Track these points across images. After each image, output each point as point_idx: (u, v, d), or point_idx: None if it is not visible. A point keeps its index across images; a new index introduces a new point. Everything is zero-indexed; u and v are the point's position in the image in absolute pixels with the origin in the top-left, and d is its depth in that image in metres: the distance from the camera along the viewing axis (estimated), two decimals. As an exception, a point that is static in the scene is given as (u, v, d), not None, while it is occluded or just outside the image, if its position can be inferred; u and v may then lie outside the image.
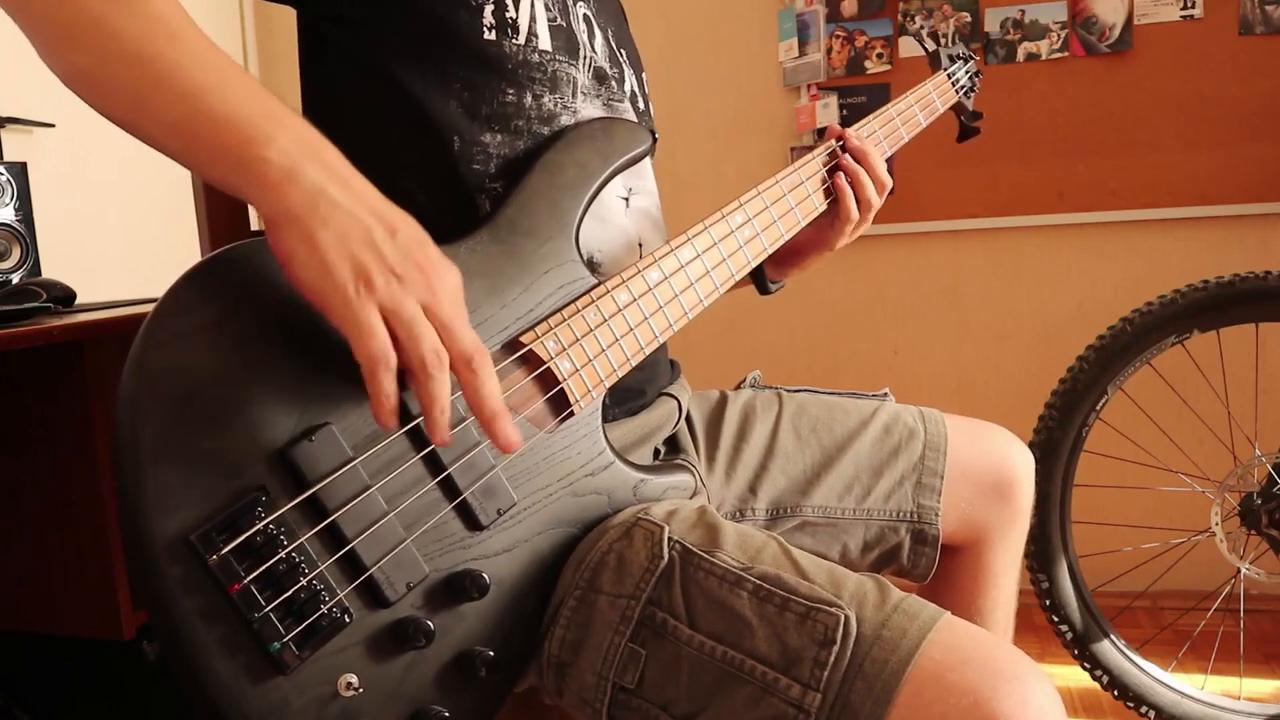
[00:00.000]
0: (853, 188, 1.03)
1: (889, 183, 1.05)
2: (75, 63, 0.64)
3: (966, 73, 1.27)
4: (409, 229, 0.65)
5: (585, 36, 0.92)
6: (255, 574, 0.61)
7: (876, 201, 1.04)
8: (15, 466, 1.36)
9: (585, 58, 0.91)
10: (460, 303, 0.66)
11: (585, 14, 0.93)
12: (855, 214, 1.03)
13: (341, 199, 0.62)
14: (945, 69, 1.23)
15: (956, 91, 1.24)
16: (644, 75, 1.05)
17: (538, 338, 0.77)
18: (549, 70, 0.86)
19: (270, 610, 0.61)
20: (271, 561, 0.61)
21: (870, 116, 1.10)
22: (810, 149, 1.03)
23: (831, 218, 1.04)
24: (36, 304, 1.34)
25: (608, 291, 0.82)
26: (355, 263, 0.61)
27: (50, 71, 0.66)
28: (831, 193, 1.03)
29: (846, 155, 1.03)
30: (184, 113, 0.62)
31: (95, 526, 1.33)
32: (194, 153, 0.63)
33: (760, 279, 1.13)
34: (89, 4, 0.63)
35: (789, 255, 1.10)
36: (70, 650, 1.42)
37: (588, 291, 0.82)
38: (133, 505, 0.59)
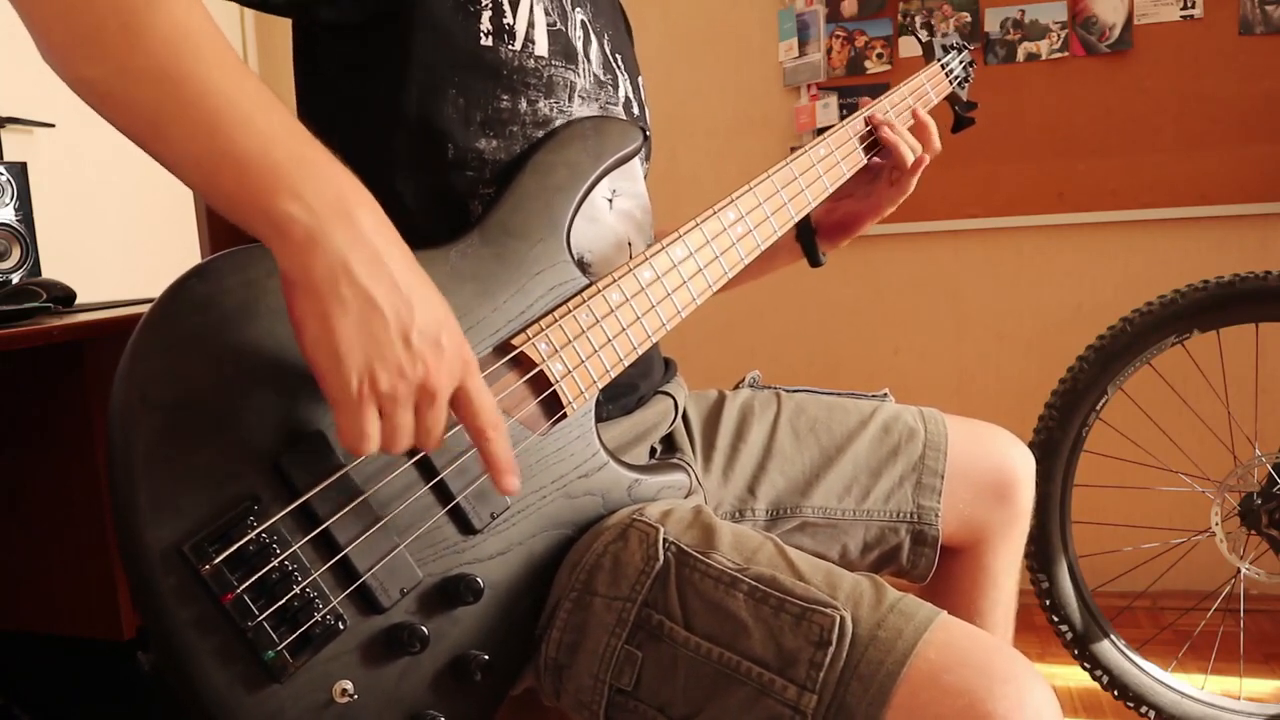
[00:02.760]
0: (894, 154, 1.05)
1: (938, 147, 1.09)
2: (89, 74, 0.59)
3: (960, 62, 1.27)
4: (428, 314, 0.62)
5: (581, 44, 0.91)
6: (248, 583, 0.61)
7: (926, 158, 1.07)
8: (15, 466, 1.36)
9: (581, 64, 0.91)
10: (474, 381, 0.65)
11: (583, 19, 0.93)
12: (910, 160, 1.05)
13: (365, 277, 0.59)
14: (939, 59, 1.23)
15: (951, 82, 1.24)
16: (640, 80, 1.05)
17: (529, 340, 0.77)
18: (545, 76, 0.86)
19: (264, 619, 0.61)
20: (264, 570, 0.61)
21: (865, 108, 1.10)
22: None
23: (887, 175, 1.07)
24: (36, 304, 1.34)
25: (599, 291, 0.82)
26: (366, 360, 0.59)
27: (56, 75, 0.60)
28: (872, 150, 1.06)
29: (884, 130, 1.06)
30: (207, 147, 0.58)
31: (95, 526, 1.33)
32: (214, 191, 0.59)
33: (812, 251, 1.13)
34: (111, 9, 0.57)
35: (839, 227, 1.12)
36: (70, 650, 1.42)
37: (579, 292, 0.82)
38: (126, 516, 0.59)
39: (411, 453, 0.69)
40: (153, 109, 0.58)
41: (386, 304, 0.60)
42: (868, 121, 1.07)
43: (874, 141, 1.07)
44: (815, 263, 1.14)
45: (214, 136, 0.58)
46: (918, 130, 1.08)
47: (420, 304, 0.62)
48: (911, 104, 1.15)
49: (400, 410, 0.61)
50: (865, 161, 1.07)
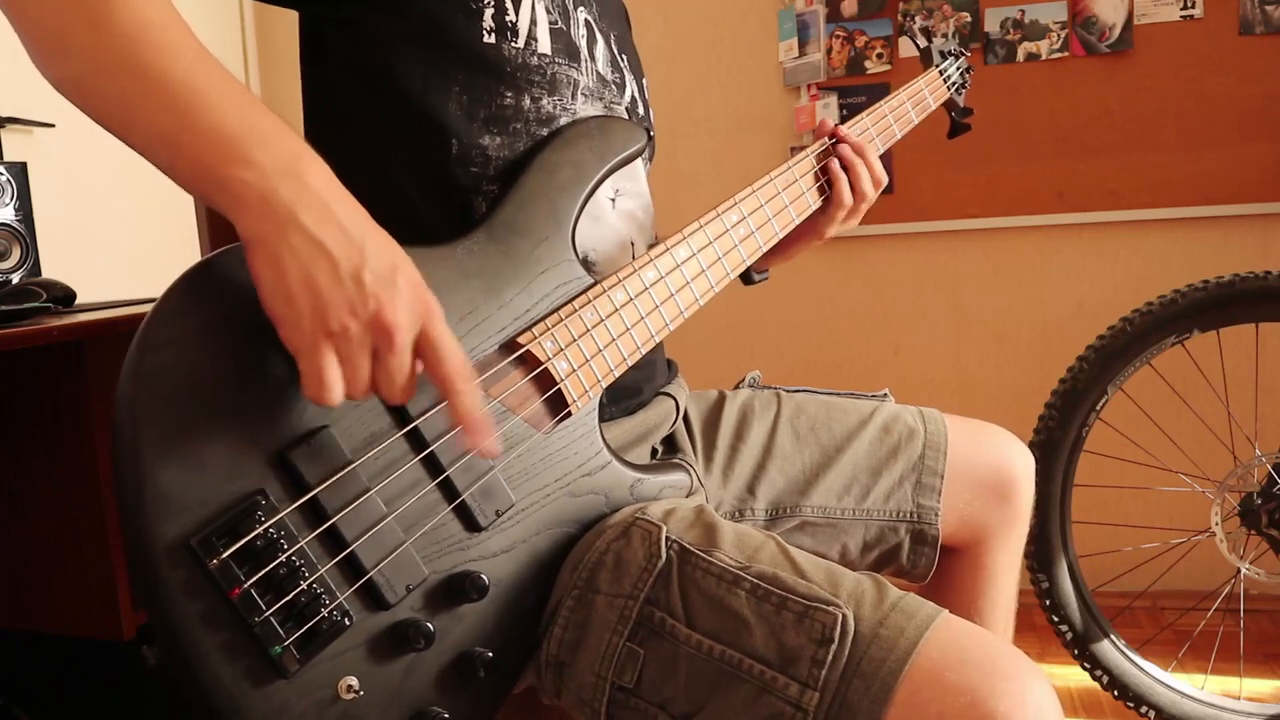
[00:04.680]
0: (849, 177, 1.03)
1: (885, 179, 1.06)
2: (66, 71, 0.63)
3: (958, 69, 1.28)
4: (380, 256, 0.63)
5: (585, 42, 0.92)
6: (256, 578, 0.61)
7: (871, 194, 1.05)
8: (15, 466, 1.37)
9: (585, 62, 0.91)
10: (436, 325, 0.65)
11: (587, 19, 0.93)
12: (848, 199, 1.04)
13: (313, 225, 0.61)
14: (937, 65, 1.24)
15: (948, 88, 1.25)
16: (645, 81, 1.05)
17: (535, 338, 0.77)
18: (548, 73, 0.86)
19: (271, 614, 0.61)
20: (272, 565, 0.61)
21: (864, 113, 1.11)
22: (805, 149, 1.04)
23: (824, 204, 1.05)
24: (36, 304, 1.34)
25: (604, 291, 0.83)
26: (315, 299, 0.60)
27: (44, 78, 0.65)
28: (825, 190, 1.04)
29: (844, 146, 1.04)
30: (169, 125, 0.62)
31: (95, 526, 1.33)
32: (177, 167, 0.62)
33: (744, 271, 1.12)
34: (80, 10, 0.62)
35: (776, 246, 1.09)
36: (70, 650, 1.42)
37: (584, 291, 0.82)
38: (133, 510, 0.59)
39: (416, 444, 0.69)
40: (121, 97, 0.62)
41: (335, 247, 0.61)
42: (831, 134, 1.05)
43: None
44: (748, 280, 1.12)
45: (174, 116, 0.61)
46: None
47: (372, 247, 0.63)
48: (910, 109, 1.16)
49: (356, 350, 0.62)
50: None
